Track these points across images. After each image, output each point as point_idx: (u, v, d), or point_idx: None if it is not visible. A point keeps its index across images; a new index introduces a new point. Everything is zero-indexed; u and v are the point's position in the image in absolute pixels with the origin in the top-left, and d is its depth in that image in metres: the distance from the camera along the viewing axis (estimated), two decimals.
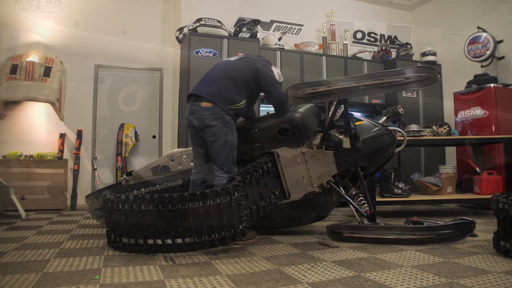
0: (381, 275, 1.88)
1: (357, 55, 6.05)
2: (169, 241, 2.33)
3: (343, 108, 2.82)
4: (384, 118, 3.74)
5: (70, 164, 5.10)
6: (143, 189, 3.13)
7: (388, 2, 6.56)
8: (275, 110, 2.96)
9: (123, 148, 5.36)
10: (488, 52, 5.08)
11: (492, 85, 4.72)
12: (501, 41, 5.10)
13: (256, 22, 5.28)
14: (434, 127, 4.34)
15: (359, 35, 6.45)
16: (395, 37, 6.60)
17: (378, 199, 3.90)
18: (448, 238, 2.57)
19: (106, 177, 5.39)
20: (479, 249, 2.42)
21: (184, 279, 1.85)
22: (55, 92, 4.76)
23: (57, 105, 4.83)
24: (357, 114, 3.65)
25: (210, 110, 2.69)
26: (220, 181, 2.63)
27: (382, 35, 6.59)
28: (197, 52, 4.83)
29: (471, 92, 4.93)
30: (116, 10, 5.57)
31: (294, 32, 6.06)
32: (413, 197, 4.10)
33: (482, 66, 5.29)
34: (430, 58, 6.01)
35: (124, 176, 3.58)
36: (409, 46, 6.17)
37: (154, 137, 5.72)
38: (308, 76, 5.36)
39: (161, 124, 5.73)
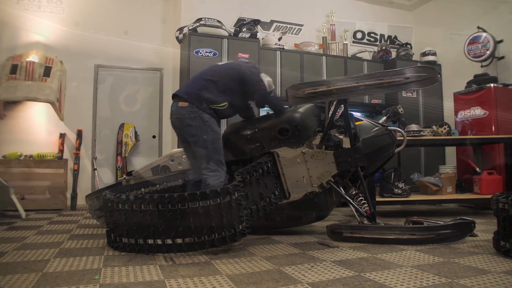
0: (381, 275, 1.88)
1: (357, 55, 6.05)
2: (169, 241, 2.33)
3: (343, 108, 2.82)
4: (384, 118, 3.74)
5: (70, 164, 5.10)
6: (143, 189, 3.13)
7: (388, 2, 6.56)
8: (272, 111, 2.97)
9: (123, 148, 5.36)
10: (488, 52, 5.08)
11: (492, 85, 4.72)
12: (501, 41, 5.10)
13: (256, 22, 5.28)
14: (434, 127, 4.34)
15: (359, 35, 6.45)
16: (395, 37, 6.60)
17: (378, 199, 3.90)
18: (448, 238, 2.57)
19: (106, 177, 5.39)
20: (479, 249, 2.42)
21: (184, 279, 1.85)
22: (55, 92, 4.76)
23: (57, 105, 4.83)
24: (357, 114, 3.65)
25: (186, 110, 2.70)
26: (207, 180, 2.61)
27: (382, 35, 6.59)
28: (197, 52, 4.83)
29: (471, 92, 4.93)
30: (116, 10, 5.57)
31: (294, 32, 6.06)
32: (413, 197, 4.10)
33: (482, 66, 5.29)
34: (430, 58, 6.01)
35: (124, 176, 3.58)
36: (409, 46, 6.17)
37: (154, 137, 5.72)
38: (308, 76, 5.36)
39: (161, 124, 5.73)
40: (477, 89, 4.86)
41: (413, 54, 6.15)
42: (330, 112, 2.86)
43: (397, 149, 3.11)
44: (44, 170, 4.72)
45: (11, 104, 4.92)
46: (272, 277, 1.88)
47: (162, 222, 2.34)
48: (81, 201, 4.74)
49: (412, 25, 6.64)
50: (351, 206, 2.93)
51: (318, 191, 2.84)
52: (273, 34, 5.64)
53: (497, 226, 2.29)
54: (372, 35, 6.53)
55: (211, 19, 5.03)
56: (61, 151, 5.01)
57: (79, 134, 5.23)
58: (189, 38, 4.85)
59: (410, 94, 5.83)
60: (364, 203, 2.83)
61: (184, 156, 3.24)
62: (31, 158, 4.75)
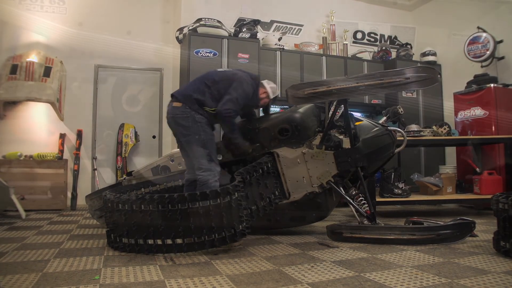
0: (381, 275, 1.88)
1: (357, 55, 6.05)
2: (169, 241, 2.33)
3: (343, 108, 2.82)
4: (384, 118, 3.74)
5: (70, 164, 5.10)
6: (143, 189, 3.13)
7: (387, 2, 6.55)
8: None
9: (123, 148, 5.36)
10: (488, 52, 5.08)
11: (492, 85, 4.72)
12: (501, 41, 5.10)
13: (256, 22, 5.28)
14: (434, 127, 4.34)
15: (359, 35, 6.45)
16: (395, 37, 6.60)
17: (378, 199, 3.89)
18: (448, 238, 2.58)
19: (106, 177, 5.39)
20: (479, 249, 2.42)
21: (184, 279, 1.85)
22: (55, 92, 4.76)
23: (57, 105, 4.83)
24: (357, 114, 3.65)
25: (179, 110, 2.76)
26: (201, 179, 2.64)
27: (382, 35, 6.59)
28: (197, 52, 4.83)
29: (471, 92, 4.93)
30: (116, 11, 5.57)
31: (294, 32, 6.06)
32: (413, 197, 4.10)
33: (482, 66, 5.29)
34: (430, 58, 6.01)
35: (124, 176, 3.59)
36: (409, 46, 6.17)
37: (154, 137, 5.72)
38: (308, 76, 5.36)
39: (161, 124, 5.72)
40: (477, 89, 4.86)
41: (413, 54, 6.15)
42: (330, 112, 2.86)
43: (397, 149, 3.11)
44: (44, 170, 4.72)
45: (11, 104, 4.92)
46: (272, 277, 1.88)
47: (162, 222, 2.34)
48: (81, 201, 4.73)
49: (415, 26, 6.63)
50: (351, 206, 2.93)
51: (318, 191, 2.84)
52: (273, 34, 5.64)
53: (497, 226, 2.29)
54: (372, 35, 6.53)
55: (211, 19, 5.03)
56: (61, 151, 5.01)
57: (79, 134, 5.23)
58: (189, 38, 4.85)
59: (410, 94, 5.83)
60: (364, 203, 2.84)
61: None
62: (31, 158, 4.74)
